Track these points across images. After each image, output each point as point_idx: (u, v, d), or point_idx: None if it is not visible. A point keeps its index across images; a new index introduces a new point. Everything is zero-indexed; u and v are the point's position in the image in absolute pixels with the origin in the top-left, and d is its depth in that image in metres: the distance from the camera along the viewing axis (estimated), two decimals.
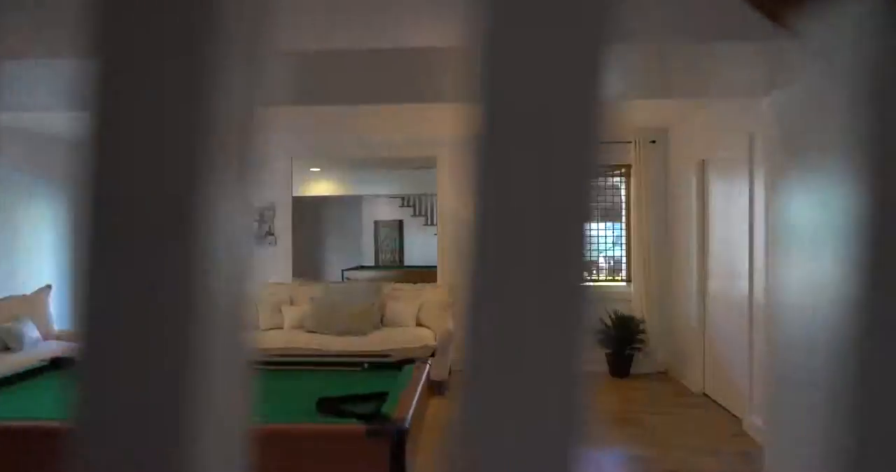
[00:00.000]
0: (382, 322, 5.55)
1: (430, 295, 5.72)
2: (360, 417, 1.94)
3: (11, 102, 3.70)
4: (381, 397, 2.25)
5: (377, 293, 5.58)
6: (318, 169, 6.64)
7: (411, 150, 6.14)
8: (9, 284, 5.44)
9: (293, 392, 2.48)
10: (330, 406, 2.17)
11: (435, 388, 2.66)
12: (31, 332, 4.90)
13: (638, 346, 5.51)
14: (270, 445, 1.97)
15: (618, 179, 6.07)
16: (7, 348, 4.68)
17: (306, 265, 7.40)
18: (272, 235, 6.31)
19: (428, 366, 2.79)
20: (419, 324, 5.53)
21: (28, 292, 5.54)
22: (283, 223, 6.30)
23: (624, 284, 6.07)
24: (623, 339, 5.45)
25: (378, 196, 9.18)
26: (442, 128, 5.33)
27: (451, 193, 6.17)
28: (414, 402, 2.16)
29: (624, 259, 6.15)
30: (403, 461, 1.79)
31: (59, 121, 5.17)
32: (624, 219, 6.10)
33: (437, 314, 5.50)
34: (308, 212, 7.18)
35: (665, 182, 5.83)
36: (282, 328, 5.59)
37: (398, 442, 1.79)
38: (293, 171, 6.34)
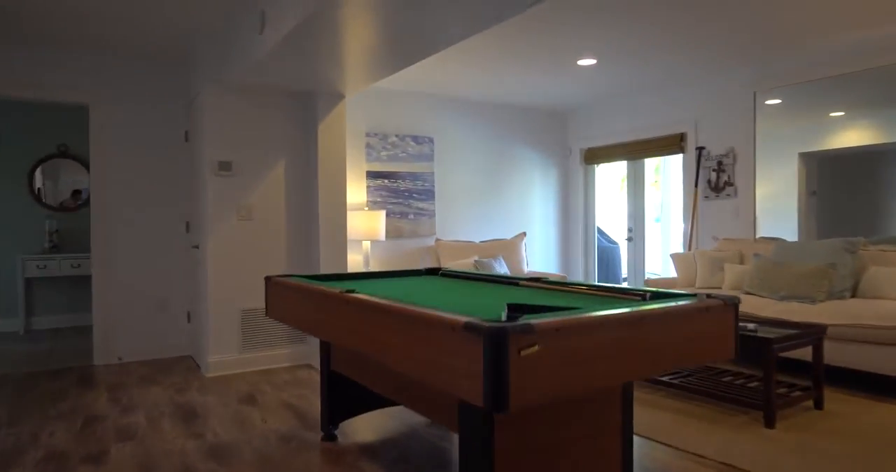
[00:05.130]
0: (855, 291, 4.19)
1: None
2: (510, 317, 1.67)
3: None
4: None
5: (847, 253, 4.22)
6: (778, 101, 5.38)
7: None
8: (500, 230, 6.59)
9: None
10: (511, 308, 1.99)
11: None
12: (501, 268, 5.82)
13: None
14: (380, 316, 2.01)
15: None
16: None
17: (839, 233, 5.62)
18: (731, 185, 5.56)
19: (728, 305, 2.02)
20: None
21: (508, 237, 6.58)
22: (744, 173, 5.47)
23: None
24: None
25: None
26: None
27: None
28: (586, 320, 1.77)
29: None
30: (503, 366, 1.43)
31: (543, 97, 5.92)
32: None
33: None
34: (848, 169, 5.42)
35: None
36: (719, 288, 4.92)
37: (494, 343, 1.44)
38: (756, 108, 5.40)
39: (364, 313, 2.13)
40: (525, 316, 1.68)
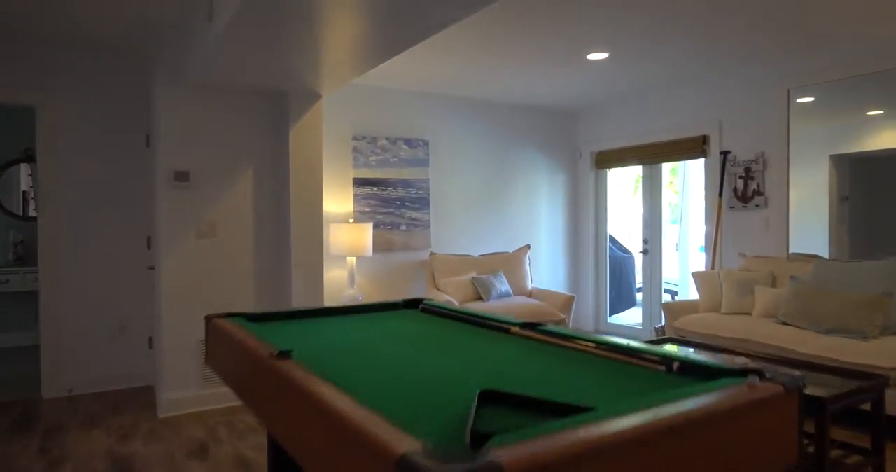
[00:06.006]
0: None
1: None
2: (475, 435, 1.10)
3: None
4: (573, 411, 1.27)
5: None
6: (811, 99, 4.75)
7: None
8: (503, 242, 6.01)
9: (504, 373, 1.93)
10: (485, 398, 1.41)
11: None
12: (502, 285, 5.24)
13: None
14: (303, 407, 1.47)
15: None
16: (479, 298, 5.13)
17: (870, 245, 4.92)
18: (761, 194, 4.94)
19: (790, 391, 1.44)
20: None
21: (510, 250, 6.00)
22: (776, 181, 4.85)
23: None
24: None
25: None
26: None
27: None
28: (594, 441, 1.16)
29: None
30: None
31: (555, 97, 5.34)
32: None
33: None
34: (885, 172, 4.66)
35: None
36: (749, 315, 4.31)
37: None
38: (790, 107, 4.77)
39: (288, 395, 1.57)
40: (495, 439, 1.11)
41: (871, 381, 2.80)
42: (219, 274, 3.97)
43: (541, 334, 2.24)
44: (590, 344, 2.03)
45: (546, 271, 6.37)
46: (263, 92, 4.08)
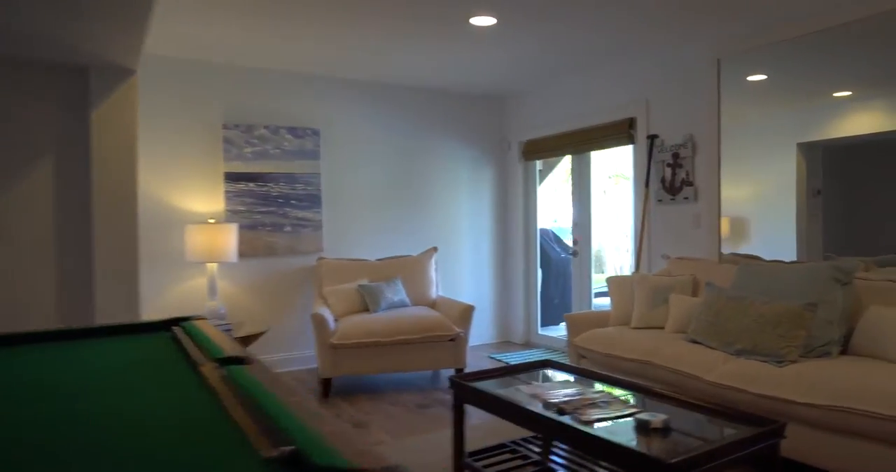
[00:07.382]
0: (846, 345, 2.81)
1: None
2: None
3: None
4: None
5: (835, 284, 2.86)
6: (762, 76, 3.98)
7: None
8: (418, 244, 5.30)
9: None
10: None
11: None
12: (395, 295, 4.52)
13: None
14: None
15: None
16: (365, 309, 4.42)
17: (841, 243, 4.11)
18: (690, 185, 4.19)
19: None
20: None
21: (415, 253, 5.29)
22: (707, 168, 4.11)
23: None
24: None
25: None
26: None
27: None
28: None
29: None
30: None
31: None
32: None
33: None
34: (865, 161, 3.84)
35: None
36: (661, 329, 3.56)
37: None
38: (721, 80, 4.02)
39: None
40: None
41: (763, 427, 2.06)
42: (8, 287, 3.28)
43: (217, 376, 1.52)
44: (241, 398, 1.31)
45: (469, 277, 5.64)
46: (60, 67, 3.39)
